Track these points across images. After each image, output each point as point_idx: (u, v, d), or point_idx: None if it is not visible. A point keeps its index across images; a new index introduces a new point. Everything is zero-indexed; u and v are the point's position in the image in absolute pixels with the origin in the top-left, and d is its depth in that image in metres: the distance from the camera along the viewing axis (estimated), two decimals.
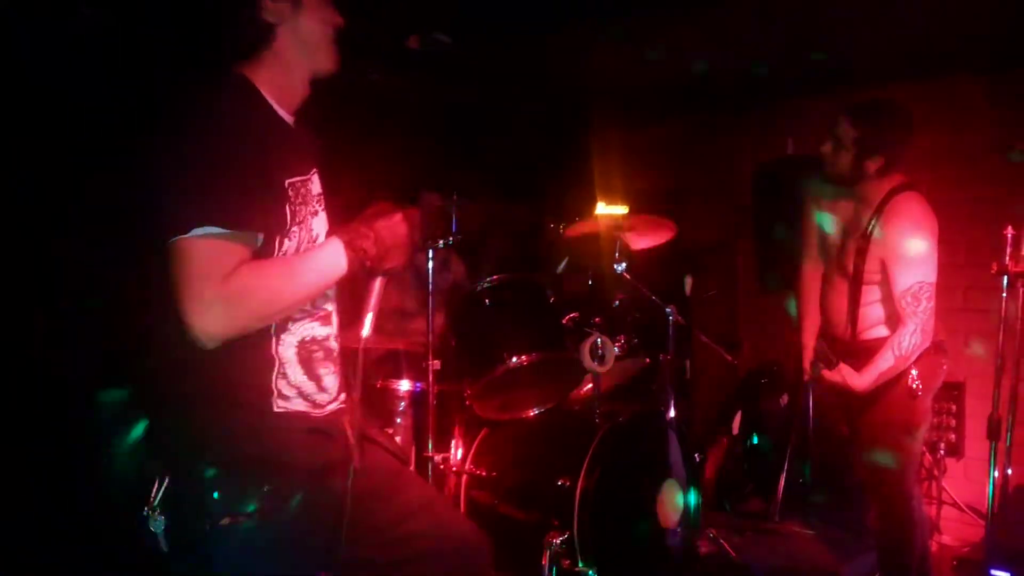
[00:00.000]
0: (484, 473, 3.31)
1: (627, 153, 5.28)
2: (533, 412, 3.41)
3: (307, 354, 1.81)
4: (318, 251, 1.74)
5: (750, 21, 3.98)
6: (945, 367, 3.10)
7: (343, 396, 1.94)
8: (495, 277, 3.23)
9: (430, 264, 3.12)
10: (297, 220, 1.74)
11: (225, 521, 1.64)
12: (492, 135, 5.00)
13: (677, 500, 3.34)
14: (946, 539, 4.28)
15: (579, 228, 3.73)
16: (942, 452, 4.38)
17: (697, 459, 3.57)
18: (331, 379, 1.88)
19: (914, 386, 2.98)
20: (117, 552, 2.50)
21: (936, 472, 4.42)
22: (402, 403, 3.40)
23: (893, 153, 2.94)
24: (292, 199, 1.73)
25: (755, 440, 4.46)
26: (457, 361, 3.24)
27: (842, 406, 3.32)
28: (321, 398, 1.84)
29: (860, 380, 2.99)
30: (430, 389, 3.05)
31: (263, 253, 1.68)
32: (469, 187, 3.47)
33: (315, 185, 1.85)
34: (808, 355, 3.28)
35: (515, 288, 3.29)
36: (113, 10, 2.95)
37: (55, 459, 3.03)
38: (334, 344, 1.90)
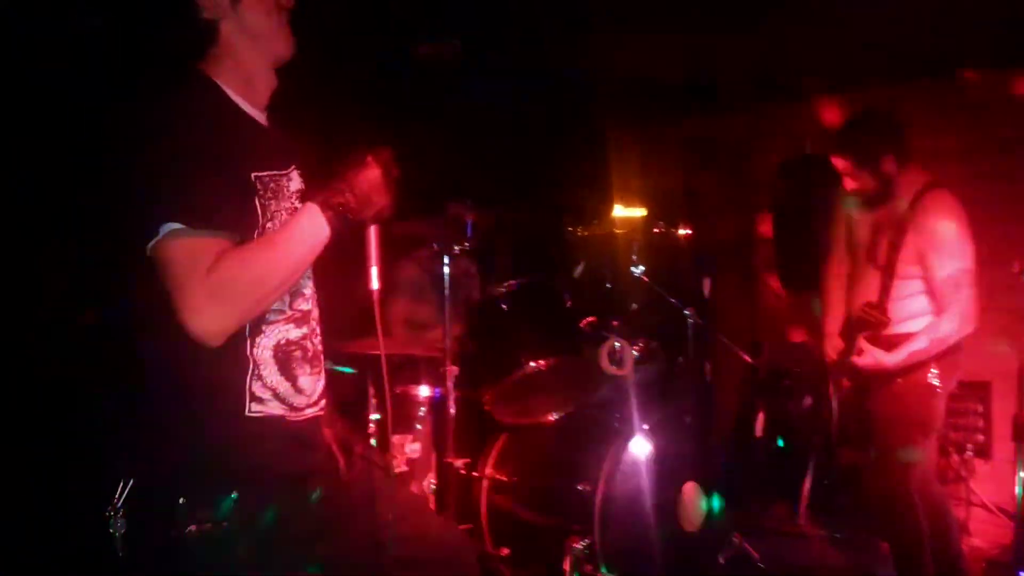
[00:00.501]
0: (505, 478, 3.30)
1: (644, 155, 5.27)
2: (552, 417, 3.39)
3: (284, 355, 1.74)
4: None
5: (768, 19, 3.95)
6: (961, 366, 3.08)
7: (323, 401, 1.86)
8: (512, 282, 3.22)
9: (446, 270, 3.11)
10: (269, 215, 1.69)
11: (190, 529, 1.58)
12: (507, 139, 5.00)
13: (699, 504, 3.32)
14: (976, 541, 4.21)
15: (596, 231, 3.72)
16: (970, 453, 4.32)
17: (719, 462, 3.54)
18: (308, 381, 1.79)
19: (934, 383, 2.97)
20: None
21: (964, 473, 4.35)
22: (421, 409, 3.39)
23: (897, 147, 3.03)
24: (261, 193, 1.69)
25: (778, 442, 4.41)
26: (475, 366, 3.24)
27: (859, 403, 3.31)
28: (298, 401, 1.76)
29: (891, 358, 2.99)
30: (449, 395, 3.04)
31: None
32: (484, 192, 3.47)
33: (293, 182, 1.79)
34: (834, 344, 3.26)
35: (532, 292, 3.28)
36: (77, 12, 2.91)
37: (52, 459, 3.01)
38: (313, 345, 1.82)
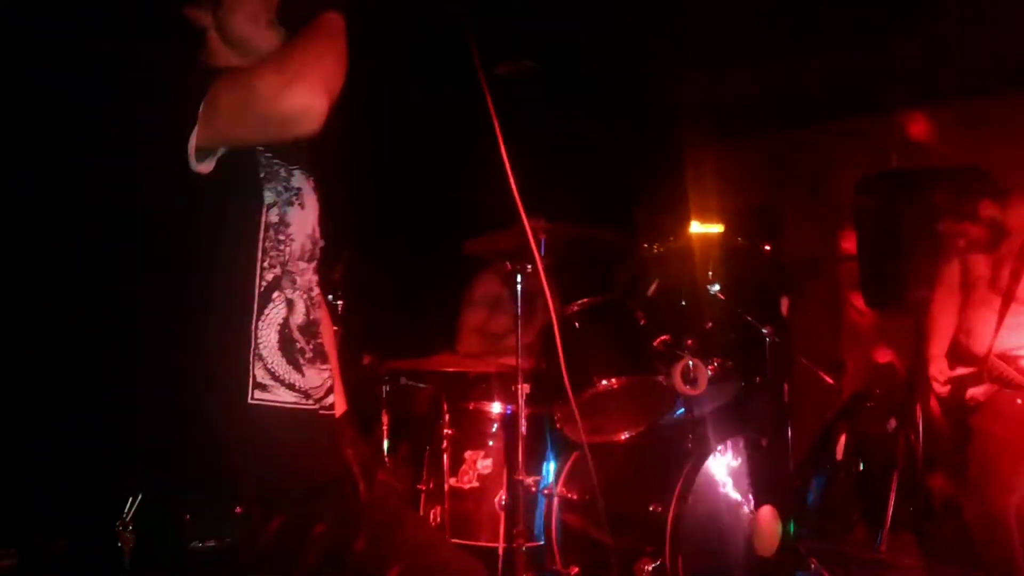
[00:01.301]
0: (576, 497, 3.29)
1: (721, 170, 5.19)
2: (624, 436, 3.37)
3: (288, 335, 1.65)
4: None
5: (844, 32, 3.87)
6: None
7: (331, 400, 1.79)
8: (585, 300, 3.22)
9: (518, 287, 3.14)
10: (264, 171, 1.66)
11: (194, 545, 1.53)
12: (583, 155, 5.01)
13: (775, 528, 3.24)
14: None
15: (672, 247, 3.68)
16: None
17: (797, 485, 3.46)
18: (313, 372, 1.72)
19: None
20: None
21: None
22: (494, 425, 3.42)
23: (991, 191, 3.15)
24: (260, 160, 1.67)
25: (860, 466, 4.28)
26: (547, 384, 3.24)
27: (956, 424, 3.23)
28: (307, 387, 1.68)
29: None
30: (520, 412, 3.05)
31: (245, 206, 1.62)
32: (559, 209, 3.48)
33: (295, 179, 1.74)
34: (940, 366, 3.27)
35: (605, 310, 3.27)
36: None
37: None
38: (315, 331, 1.75)
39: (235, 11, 1.69)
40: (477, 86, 1.95)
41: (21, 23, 2.87)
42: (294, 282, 1.69)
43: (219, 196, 1.59)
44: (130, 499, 1.58)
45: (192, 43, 1.72)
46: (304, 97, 1.48)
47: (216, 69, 1.64)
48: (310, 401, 1.69)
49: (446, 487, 3.29)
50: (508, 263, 3.19)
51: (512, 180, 1.73)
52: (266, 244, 1.63)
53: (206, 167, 1.54)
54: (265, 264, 1.63)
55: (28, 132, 2.94)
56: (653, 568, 2.81)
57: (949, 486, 3.97)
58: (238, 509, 1.55)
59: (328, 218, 1.86)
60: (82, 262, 2.94)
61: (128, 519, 1.56)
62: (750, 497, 3.21)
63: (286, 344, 1.64)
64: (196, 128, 1.49)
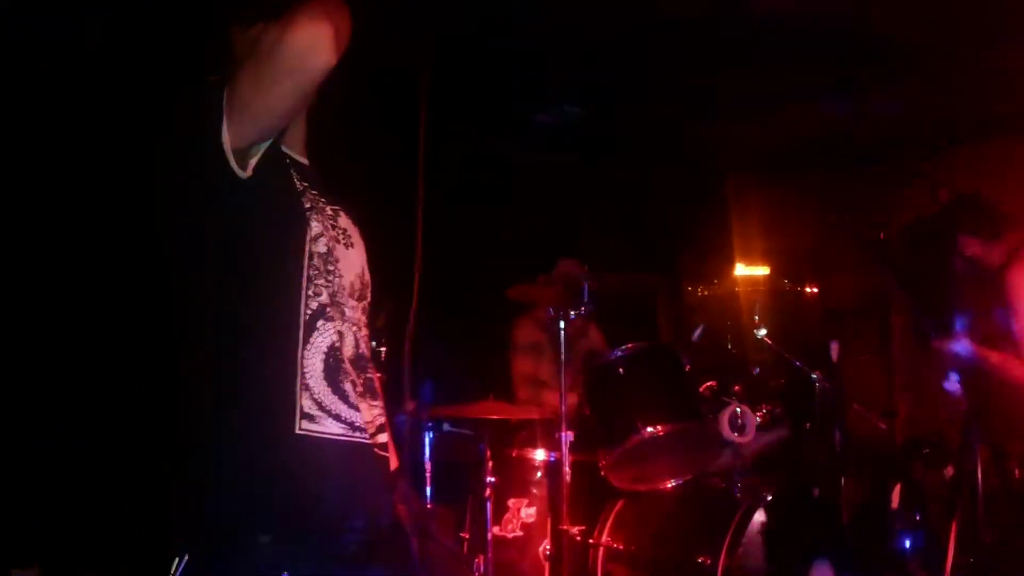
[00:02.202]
0: (621, 546, 3.24)
1: (767, 211, 5.15)
2: (670, 484, 3.31)
3: (334, 364, 1.63)
4: None
5: (893, 72, 3.84)
6: None
7: (383, 437, 1.75)
8: (629, 345, 3.19)
9: (562, 334, 3.12)
10: (309, 203, 1.68)
11: None
12: (626, 201, 5.00)
13: None
14: None
15: (717, 291, 3.65)
16: None
17: (850, 537, 3.36)
18: (363, 404, 1.68)
19: None
20: None
21: None
22: (538, 473, 3.38)
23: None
24: (293, 173, 1.69)
25: (916, 516, 4.14)
26: (592, 431, 3.21)
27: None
28: (355, 419, 1.64)
29: None
30: (564, 459, 3.02)
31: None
32: (603, 255, 3.47)
33: (342, 220, 1.76)
34: None
35: (650, 356, 3.24)
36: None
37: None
38: (364, 361, 1.72)
39: None
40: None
41: (22, 24, 2.87)
42: (343, 313, 1.69)
43: (262, 208, 1.60)
44: (176, 561, 1.54)
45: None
46: (307, 27, 1.48)
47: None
48: (358, 434, 1.64)
49: (489, 536, 3.24)
50: (551, 308, 3.18)
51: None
52: (311, 272, 1.63)
53: (245, 171, 1.56)
54: (311, 292, 1.62)
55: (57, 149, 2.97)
56: None
57: (1010, 537, 3.82)
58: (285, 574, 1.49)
59: (373, 267, 1.86)
60: (122, 281, 2.97)
61: None
62: (802, 550, 3.13)
63: (332, 374, 1.61)
64: (225, 124, 1.52)
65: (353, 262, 1.76)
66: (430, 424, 3.30)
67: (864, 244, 3.81)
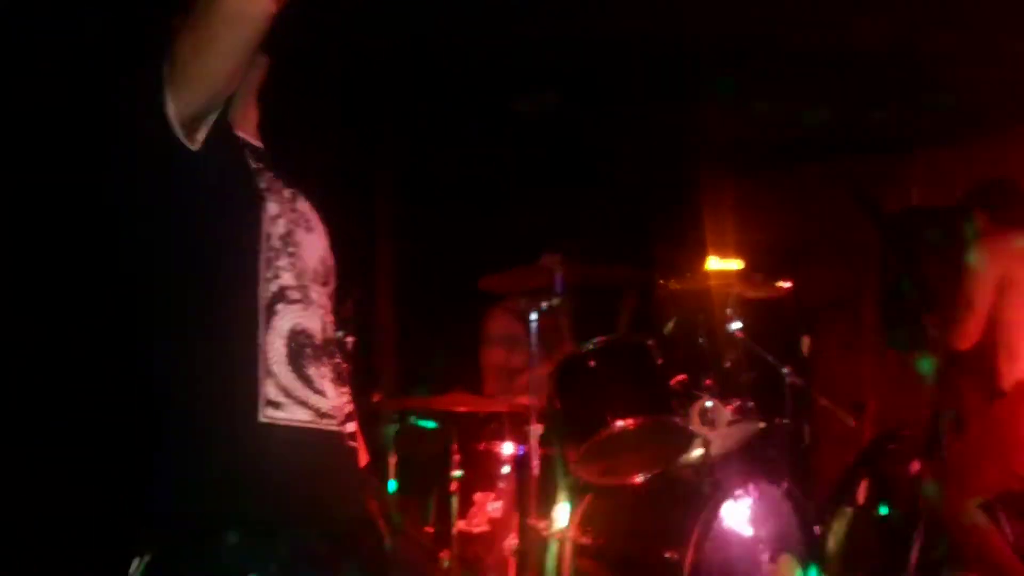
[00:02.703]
0: (589, 541, 3.21)
1: (741, 206, 5.15)
2: (639, 478, 3.29)
3: (297, 349, 1.57)
4: None
5: (869, 69, 3.85)
6: None
7: (350, 425, 1.71)
8: (600, 338, 3.17)
9: (535, 325, 3.09)
10: (265, 184, 1.63)
11: None
12: (600, 192, 4.98)
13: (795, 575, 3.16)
14: None
15: (690, 284, 3.63)
16: None
17: (817, 531, 3.36)
18: (330, 388, 1.63)
19: None
20: None
21: None
22: (505, 467, 3.35)
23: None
24: (247, 153, 1.65)
25: (883, 510, 4.16)
26: (561, 424, 3.18)
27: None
28: (321, 404, 1.59)
29: None
30: (533, 453, 2.99)
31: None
32: (576, 246, 3.44)
33: (300, 203, 1.72)
34: None
35: (621, 349, 3.22)
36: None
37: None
38: (335, 353, 1.69)
39: None
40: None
41: None
42: (308, 296, 1.63)
43: (214, 183, 1.55)
44: (136, 560, 1.48)
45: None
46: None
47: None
48: (326, 421, 1.60)
49: (454, 530, 3.21)
50: (523, 300, 3.15)
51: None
52: (269, 254, 1.58)
53: (195, 142, 1.50)
54: (269, 274, 1.57)
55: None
56: None
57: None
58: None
59: (337, 254, 1.81)
60: (74, 267, 2.86)
61: None
62: (769, 544, 3.13)
63: (296, 359, 1.56)
64: (168, 92, 1.46)
65: (314, 246, 1.71)
66: (396, 416, 3.26)
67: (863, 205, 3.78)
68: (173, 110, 1.47)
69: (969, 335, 3.47)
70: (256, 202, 1.58)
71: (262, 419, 1.49)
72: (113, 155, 1.62)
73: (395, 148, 1.68)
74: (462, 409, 3.36)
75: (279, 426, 1.51)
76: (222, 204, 1.57)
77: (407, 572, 1.73)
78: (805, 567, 3.19)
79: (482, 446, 3.38)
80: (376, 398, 3.31)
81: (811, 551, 3.24)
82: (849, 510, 4.20)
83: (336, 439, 1.64)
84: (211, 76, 1.49)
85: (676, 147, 5.10)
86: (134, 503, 1.61)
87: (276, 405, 1.51)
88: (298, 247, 1.64)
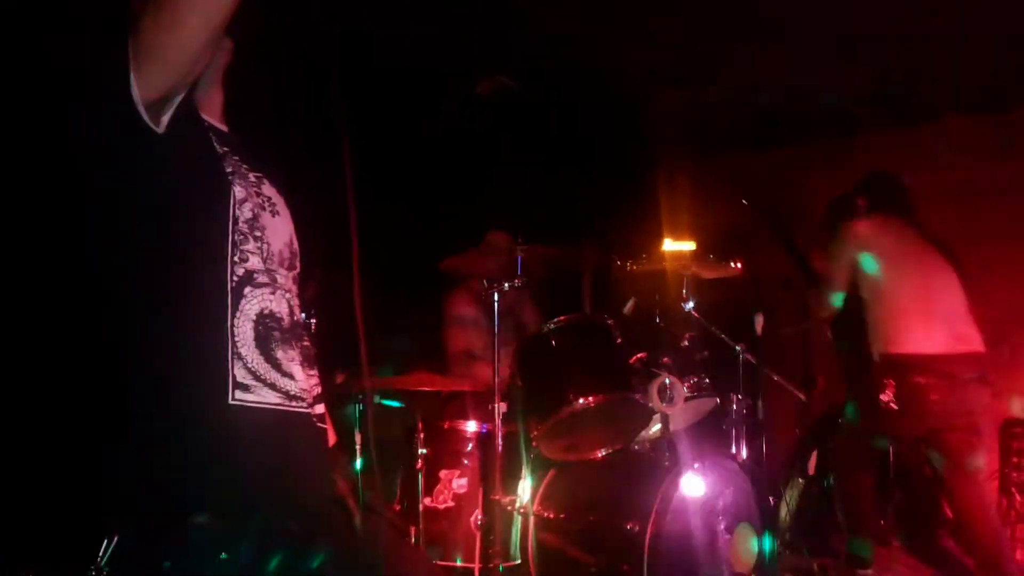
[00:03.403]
0: (552, 515, 3.27)
1: (695, 188, 5.23)
2: (600, 454, 3.37)
3: (264, 332, 1.58)
4: None
5: (822, 55, 3.93)
6: None
7: (319, 407, 1.72)
8: (561, 318, 3.21)
9: (496, 306, 3.12)
10: (231, 168, 1.63)
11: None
12: (557, 174, 5.02)
13: (751, 545, 3.25)
14: None
15: (646, 266, 3.69)
16: None
17: (771, 502, 3.47)
18: (298, 371, 1.64)
19: None
20: None
21: None
22: (469, 444, 3.39)
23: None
24: (212, 137, 1.65)
25: (832, 480, 4.30)
26: (523, 402, 3.22)
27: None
28: (290, 387, 1.60)
29: None
30: (497, 431, 3.03)
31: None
32: (533, 228, 3.48)
33: (266, 188, 1.73)
34: None
35: (581, 329, 3.27)
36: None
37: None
38: (303, 335, 1.69)
39: None
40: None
41: None
42: (275, 280, 1.64)
43: (180, 167, 1.54)
44: (104, 542, 1.49)
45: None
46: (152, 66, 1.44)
47: None
48: (295, 403, 1.61)
49: (420, 507, 3.25)
50: (485, 281, 3.17)
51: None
52: (237, 237, 1.58)
53: (160, 125, 1.49)
54: (236, 258, 1.57)
55: None
56: None
57: (919, 500, 4.02)
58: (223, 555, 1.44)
59: (301, 236, 1.82)
60: (40, 251, 2.79)
61: (103, 564, 1.48)
62: (726, 515, 3.21)
63: (264, 342, 1.57)
64: (132, 74, 1.44)
65: (280, 230, 1.72)
66: (360, 396, 3.27)
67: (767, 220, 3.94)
68: (138, 93, 1.45)
69: (824, 307, 3.79)
70: (223, 186, 1.58)
71: (232, 402, 1.50)
72: (78, 137, 1.60)
73: (358, 131, 1.68)
74: (426, 388, 3.39)
75: (248, 408, 1.52)
76: (189, 187, 1.56)
77: (378, 548, 1.71)
78: (760, 536, 3.29)
79: (446, 424, 3.41)
80: (340, 379, 3.32)
81: (766, 521, 3.33)
82: (801, 481, 4.34)
83: (305, 420, 1.65)
84: (177, 59, 1.48)
85: (631, 131, 5.16)
86: (103, 486, 1.62)
87: (245, 388, 1.52)
88: (264, 231, 1.65)
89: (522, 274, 3.28)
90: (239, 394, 1.52)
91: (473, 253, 3.78)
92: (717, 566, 3.12)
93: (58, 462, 2.58)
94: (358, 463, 3.08)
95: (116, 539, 1.52)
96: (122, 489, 1.54)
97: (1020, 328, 4.73)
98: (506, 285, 3.14)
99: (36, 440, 2.72)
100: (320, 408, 1.76)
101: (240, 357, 1.53)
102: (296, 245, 1.78)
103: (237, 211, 1.59)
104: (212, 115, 1.74)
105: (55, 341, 2.57)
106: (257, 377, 1.55)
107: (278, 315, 1.63)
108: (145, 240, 1.55)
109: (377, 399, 3.48)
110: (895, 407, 3.48)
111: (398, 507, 3.34)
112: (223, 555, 1.43)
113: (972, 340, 3.61)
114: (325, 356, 3.36)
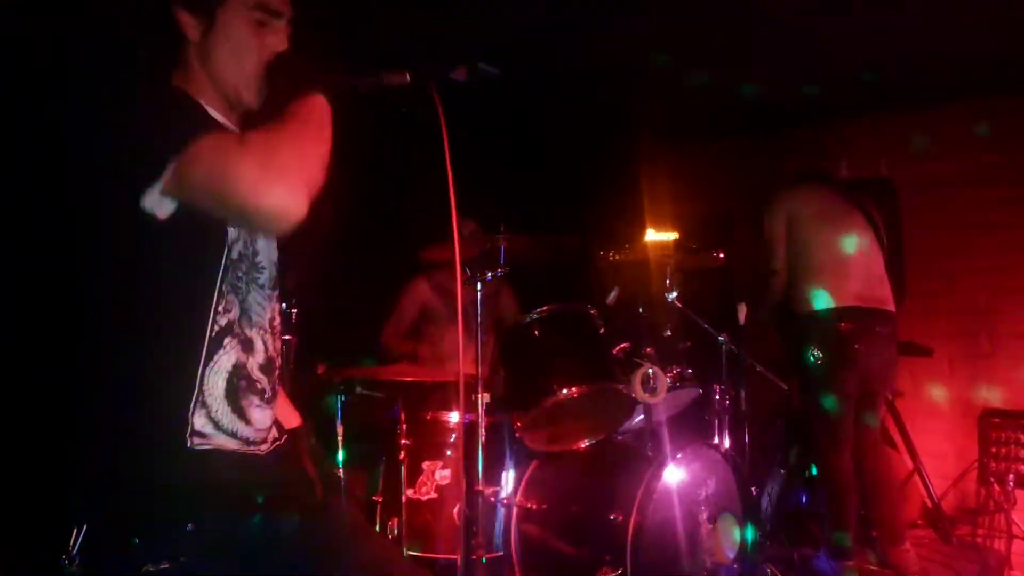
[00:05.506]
0: (535, 506, 3.26)
1: (677, 178, 5.23)
2: (584, 444, 3.36)
3: (236, 382, 1.59)
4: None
5: (799, 42, 3.93)
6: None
7: (273, 433, 1.73)
8: (544, 308, 3.20)
9: (479, 296, 3.10)
10: None
11: (147, 570, 1.44)
12: (538, 163, 4.99)
13: (733, 534, 3.26)
14: (1016, 574, 4.10)
15: (629, 256, 3.68)
16: (1012, 484, 4.22)
17: (753, 491, 3.48)
18: (259, 413, 1.65)
19: None
20: None
21: (1006, 504, 4.25)
22: (452, 435, 3.37)
23: None
24: None
25: (813, 471, 4.32)
26: (507, 393, 3.21)
27: None
28: (249, 434, 1.62)
29: None
30: (480, 421, 3.02)
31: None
32: (516, 218, 3.45)
33: None
34: None
35: (565, 319, 3.25)
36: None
37: None
38: (261, 374, 1.67)
39: (224, 41, 1.62)
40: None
41: None
42: (251, 320, 1.64)
43: (179, 241, 1.52)
44: (74, 531, 1.48)
45: (169, 59, 1.64)
46: (284, 198, 1.41)
47: (194, 106, 1.59)
48: (252, 448, 1.63)
49: (403, 499, 3.23)
50: (467, 269, 3.15)
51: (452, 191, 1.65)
52: (224, 287, 1.58)
53: (165, 211, 1.47)
54: (220, 308, 1.57)
55: None
56: None
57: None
58: (188, 526, 1.46)
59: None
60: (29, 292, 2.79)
61: (74, 552, 1.47)
62: (709, 504, 3.22)
63: (233, 392, 1.58)
64: (164, 176, 1.43)
65: (270, 249, 1.71)
66: (342, 386, 3.24)
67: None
68: (158, 189, 1.44)
69: (776, 290, 4.02)
70: (219, 242, 1.58)
71: (188, 447, 1.52)
72: (79, 216, 1.58)
73: (341, 121, 1.64)
74: (408, 379, 3.37)
75: (202, 451, 1.54)
76: (185, 259, 1.55)
77: (336, 530, 1.73)
78: (743, 526, 3.30)
79: (429, 415, 3.39)
80: (321, 369, 3.29)
81: (748, 510, 3.35)
82: (782, 471, 4.36)
83: (261, 461, 1.66)
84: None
85: (613, 120, 5.14)
86: (52, 503, 1.64)
87: (203, 436, 1.54)
88: (257, 256, 1.66)
89: (504, 264, 3.26)
90: (196, 440, 1.54)
91: (446, 243, 3.74)
92: (699, 556, 3.13)
93: (26, 468, 2.57)
94: (341, 454, 3.06)
95: (84, 528, 1.51)
96: (71, 507, 1.55)
97: (999, 318, 4.76)
98: (489, 275, 3.12)
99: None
100: (275, 432, 1.76)
101: (205, 406, 1.54)
102: (278, 262, 1.76)
103: (227, 259, 1.58)
104: (230, 111, 1.69)
105: (30, 365, 2.56)
106: (218, 426, 1.56)
107: (258, 355, 1.65)
108: (129, 295, 1.54)
109: (359, 389, 3.45)
110: (823, 362, 3.73)
111: (380, 499, 3.32)
112: (189, 526, 1.46)
113: (885, 301, 3.84)
114: (306, 345, 3.34)
